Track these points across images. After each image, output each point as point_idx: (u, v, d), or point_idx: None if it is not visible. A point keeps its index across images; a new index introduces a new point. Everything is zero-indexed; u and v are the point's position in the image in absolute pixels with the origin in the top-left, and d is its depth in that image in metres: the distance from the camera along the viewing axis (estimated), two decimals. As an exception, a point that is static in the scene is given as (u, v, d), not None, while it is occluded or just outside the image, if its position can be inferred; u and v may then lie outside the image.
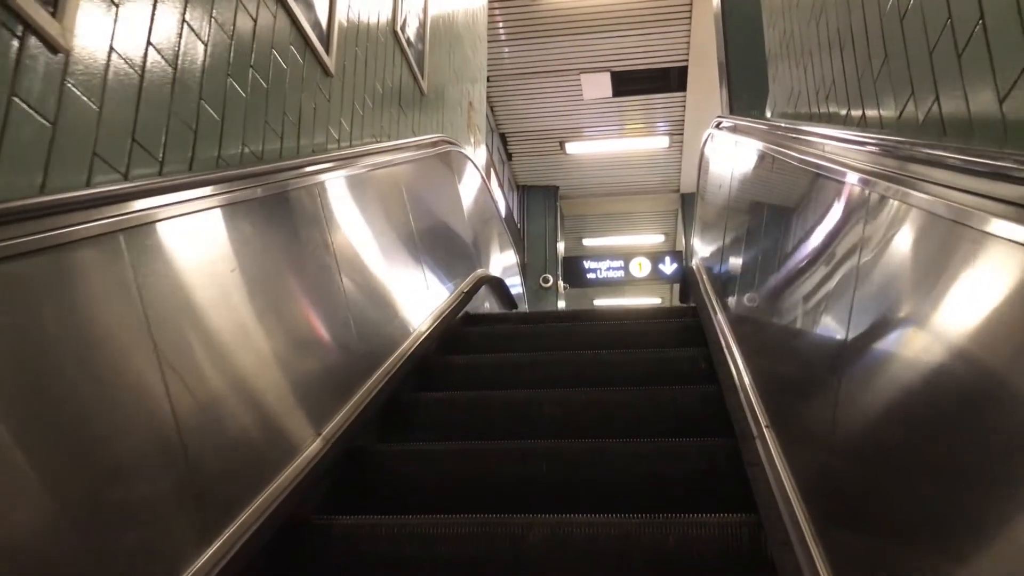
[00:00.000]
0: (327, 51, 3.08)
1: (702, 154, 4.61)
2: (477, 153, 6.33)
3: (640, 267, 12.26)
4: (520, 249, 11.52)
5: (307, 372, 2.08)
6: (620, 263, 12.39)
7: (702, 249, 4.24)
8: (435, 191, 3.86)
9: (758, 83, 5.45)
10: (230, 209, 1.89)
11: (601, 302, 15.86)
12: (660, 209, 13.02)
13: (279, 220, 2.18)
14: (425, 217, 3.56)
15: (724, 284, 3.02)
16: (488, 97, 9.98)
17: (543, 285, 11.66)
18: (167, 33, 1.86)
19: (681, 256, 12.29)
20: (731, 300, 2.84)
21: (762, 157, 2.64)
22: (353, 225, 2.69)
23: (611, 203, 12.70)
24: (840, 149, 1.71)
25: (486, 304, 4.68)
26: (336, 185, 2.71)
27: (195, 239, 1.70)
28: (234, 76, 2.24)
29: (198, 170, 1.97)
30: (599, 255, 12.92)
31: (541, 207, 12.19)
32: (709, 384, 2.49)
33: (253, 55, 2.40)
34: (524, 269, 11.54)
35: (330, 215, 2.48)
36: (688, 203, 12.23)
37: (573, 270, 12.48)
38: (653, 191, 12.42)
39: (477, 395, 2.54)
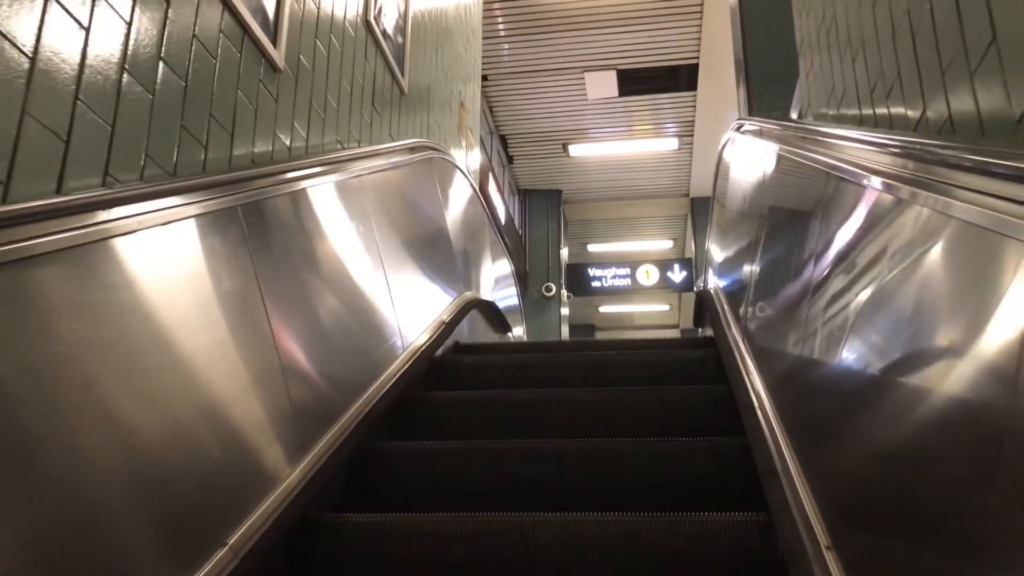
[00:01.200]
0: (274, 42, 2.56)
1: (720, 161, 4.07)
2: (470, 157, 5.80)
3: (647, 275, 11.72)
4: (521, 257, 11.00)
5: (213, 460, 1.56)
6: (626, 270, 11.85)
7: (722, 272, 3.70)
8: (411, 206, 3.34)
9: (781, 81, 4.91)
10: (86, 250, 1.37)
11: (607, 309, 15.33)
12: (669, 214, 12.47)
13: (177, 258, 1.66)
14: (396, 238, 3.04)
15: (759, 326, 2.48)
16: (486, 97, 9.46)
17: (545, 294, 11.13)
18: (26, 12, 1.34)
19: (691, 264, 11.74)
20: (767, 347, 2.30)
21: (809, 169, 2.11)
22: (289, 258, 2.16)
23: (617, 208, 12.16)
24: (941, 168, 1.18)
25: (477, 328, 4.16)
26: (269, 208, 2.18)
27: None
28: (134, 71, 1.72)
29: (67, 193, 1.46)
30: (604, 262, 12.38)
31: (543, 212, 11.66)
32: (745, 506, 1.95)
33: (165, 45, 1.88)
34: (524, 280, 11.00)
35: (258, 246, 1.95)
36: (699, 208, 11.68)
37: (577, 278, 11.94)
38: (661, 195, 11.87)
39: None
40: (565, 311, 11.50)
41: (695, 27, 8.23)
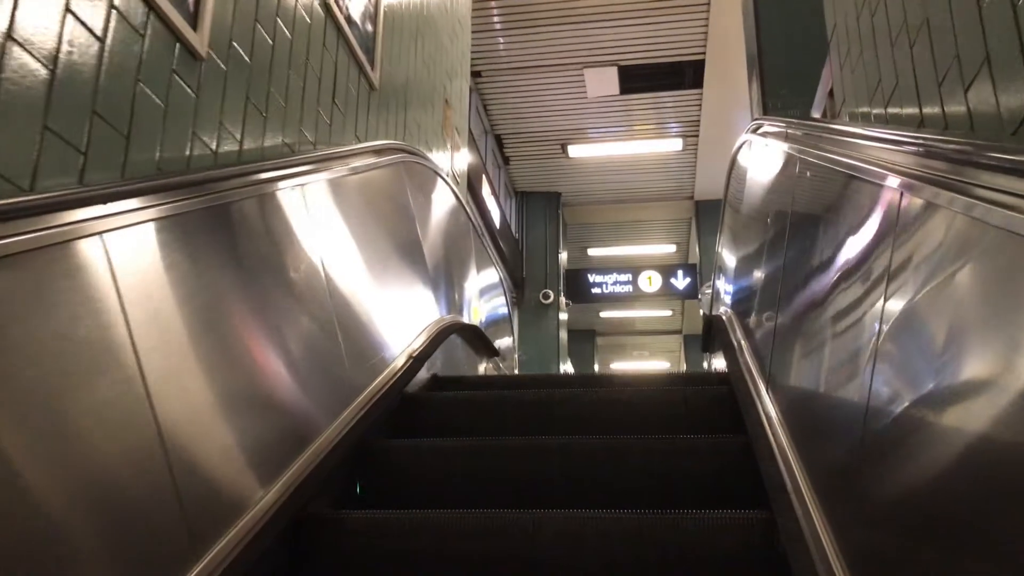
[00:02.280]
0: (194, 24, 2.08)
1: (734, 165, 3.58)
2: (457, 159, 5.32)
3: (650, 281, 11.24)
4: (518, 262, 10.52)
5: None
6: (628, 276, 11.37)
7: (738, 295, 3.21)
8: (373, 218, 2.86)
9: (799, 77, 4.42)
10: None
11: (609, 314, 14.85)
12: (672, 217, 11.97)
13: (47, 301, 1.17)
14: (350, 258, 2.56)
15: (790, 374, 1.99)
16: (480, 95, 8.98)
17: (543, 301, 10.64)
18: None
19: (695, 270, 11.25)
20: (803, 406, 1.81)
21: (851, 180, 1.63)
22: (184, 299, 1.67)
23: (618, 211, 11.66)
24: None
25: (458, 356, 3.68)
26: (176, 227, 1.70)
27: None
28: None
29: None
30: (605, 268, 11.89)
31: (541, 215, 11.17)
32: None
33: (16, 22, 1.40)
34: (521, 287, 10.52)
35: (136, 288, 1.47)
36: (704, 212, 11.19)
37: (576, 284, 11.46)
38: (665, 198, 11.37)
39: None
40: (564, 316, 11.01)
41: (702, 20, 7.74)
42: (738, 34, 6.40)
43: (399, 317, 2.93)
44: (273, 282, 2.01)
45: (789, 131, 2.42)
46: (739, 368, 2.59)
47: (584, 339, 15.90)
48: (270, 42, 2.56)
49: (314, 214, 2.35)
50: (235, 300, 1.80)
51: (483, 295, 4.68)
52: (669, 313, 15.11)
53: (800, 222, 2.02)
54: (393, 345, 2.80)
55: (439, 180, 3.90)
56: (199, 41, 2.09)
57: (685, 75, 8.71)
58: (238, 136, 2.32)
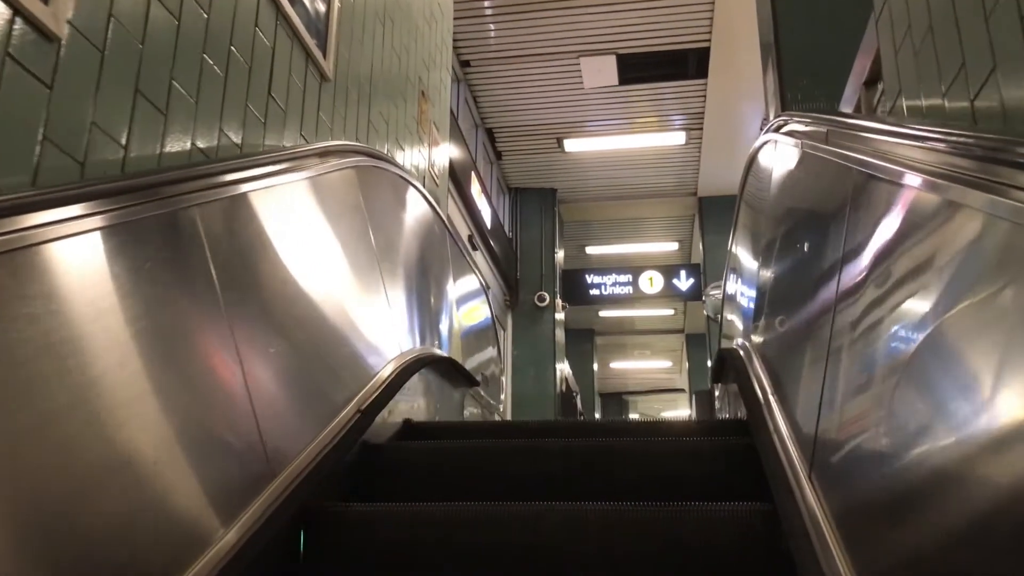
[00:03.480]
0: (42, -7, 1.54)
1: (752, 166, 3.04)
2: (436, 158, 4.77)
3: (651, 282, 10.69)
4: (511, 263, 9.98)
5: None
6: (628, 277, 10.82)
7: (759, 326, 2.66)
8: (307, 242, 2.30)
9: (823, 65, 3.86)
10: None
11: (608, 313, 14.31)
12: (674, 215, 11.41)
13: None
14: (269, 293, 2.01)
15: (835, 444, 1.45)
16: (470, 86, 8.42)
17: (538, 304, 10.09)
18: None
19: (698, 270, 10.70)
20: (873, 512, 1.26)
21: (942, 204, 1.09)
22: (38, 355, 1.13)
23: (617, 208, 11.09)
24: None
25: (431, 392, 3.13)
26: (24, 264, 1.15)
27: None
28: None
29: None
30: (603, 268, 11.34)
31: (536, 212, 10.61)
32: None
33: None
34: (514, 289, 9.97)
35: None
36: (708, 209, 10.63)
37: (574, 285, 10.91)
38: (666, 194, 10.80)
39: None
40: (560, 317, 10.46)
41: (706, 5, 7.17)
42: (747, 19, 5.84)
43: (346, 360, 2.39)
44: (151, 338, 1.46)
45: (834, 131, 1.87)
46: (768, 435, 2.04)
47: (583, 339, 15.37)
48: (174, 20, 2.01)
49: (217, 243, 1.81)
50: (95, 372, 1.25)
51: (462, 316, 4.14)
52: (671, 312, 14.57)
53: (862, 256, 1.48)
54: (337, 396, 2.26)
55: (407, 186, 3.36)
56: (51, 16, 1.54)
57: (688, 64, 8.15)
58: (121, 141, 1.77)
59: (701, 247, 10.71)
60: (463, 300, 4.16)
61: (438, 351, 3.25)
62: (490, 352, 4.55)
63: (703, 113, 8.86)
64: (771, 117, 4.34)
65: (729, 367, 3.01)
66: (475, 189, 8.12)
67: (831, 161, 1.82)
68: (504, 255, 9.61)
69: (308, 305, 2.19)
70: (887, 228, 1.39)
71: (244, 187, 2.02)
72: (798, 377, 1.94)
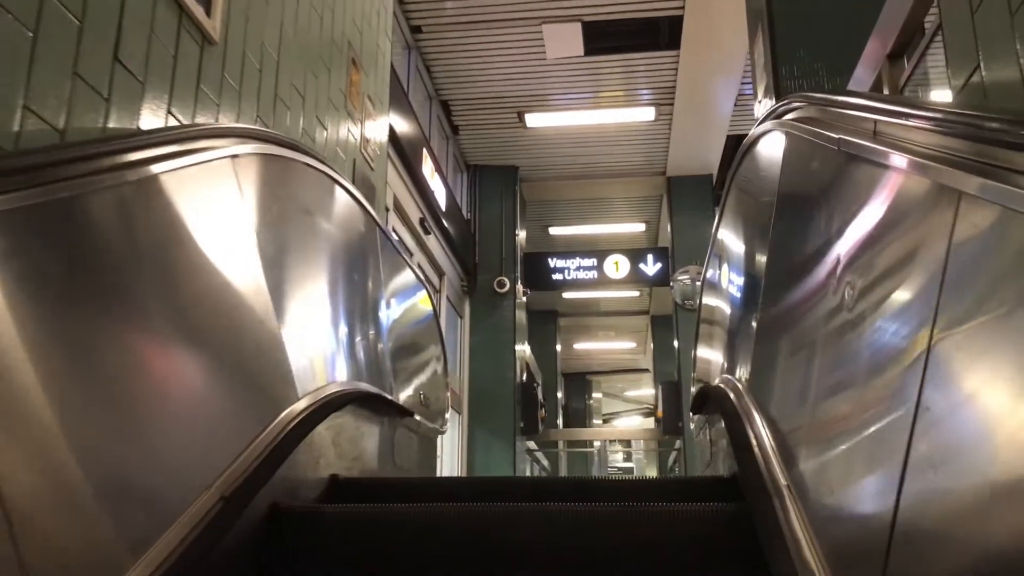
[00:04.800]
0: None
1: (748, 158, 2.44)
2: (371, 136, 4.09)
3: (617, 266, 10.14)
4: (468, 246, 9.33)
5: None
6: (592, 261, 10.25)
7: (760, 368, 2.06)
8: (153, 262, 1.65)
9: (825, 34, 3.27)
10: None
11: (572, 295, 13.75)
12: (642, 195, 10.82)
13: None
14: (96, 347, 1.37)
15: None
16: (422, 53, 7.70)
17: (498, 290, 9.48)
18: None
19: (666, 254, 10.16)
20: None
21: None
22: None
23: (582, 187, 10.47)
24: None
25: (345, 433, 2.51)
26: None
27: None
28: None
29: None
30: (567, 251, 10.75)
31: (496, 192, 9.94)
32: None
33: None
34: (472, 274, 9.34)
35: None
36: (677, 189, 10.07)
37: (536, 269, 10.31)
38: (634, 173, 10.20)
39: None
40: (522, 316, 9.87)
41: (681, -32, 6.54)
42: (727, -17, 5.22)
43: (212, 417, 1.75)
44: None
45: (895, 125, 1.28)
46: (778, 531, 1.47)
47: (546, 320, 14.82)
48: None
49: (19, 263, 1.15)
50: None
51: (397, 327, 3.50)
52: (636, 294, 14.08)
53: (966, 316, 0.89)
54: (195, 471, 1.63)
55: (320, 178, 2.69)
56: None
57: (660, 34, 7.51)
58: None
59: (669, 229, 10.17)
60: (398, 307, 3.52)
61: (359, 386, 2.61)
62: (432, 365, 3.93)
63: (674, 88, 8.25)
64: (760, 95, 3.76)
65: (715, 403, 2.43)
66: (427, 168, 7.44)
67: (893, 171, 1.22)
68: (461, 238, 8.96)
69: (163, 345, 1.55)
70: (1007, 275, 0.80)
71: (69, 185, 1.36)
72: (815, 453, 1.36)
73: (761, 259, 2.13)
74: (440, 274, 8.50)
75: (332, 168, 2.82)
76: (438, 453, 7.82)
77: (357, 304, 2.91)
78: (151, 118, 2.07)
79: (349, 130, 3.72)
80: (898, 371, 1.08)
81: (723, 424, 2.30)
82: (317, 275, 2.55)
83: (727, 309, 2.80)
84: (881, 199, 1.29)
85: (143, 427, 1.48)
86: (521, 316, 9.94)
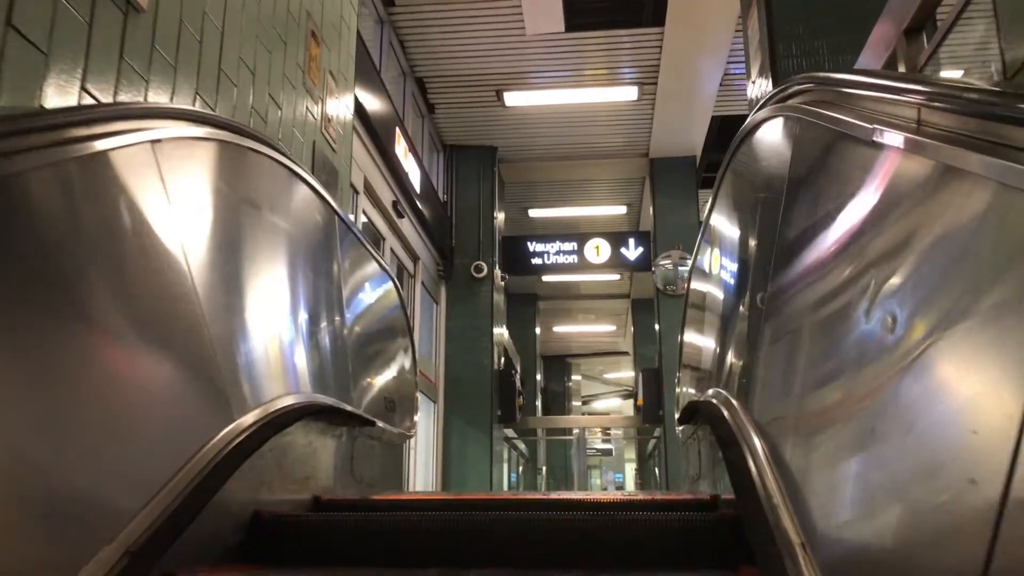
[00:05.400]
0: None
1: (738, 151, 2.17)
2: (333, 115, 3.78)
3: (597, 251, 9.89)
4: (444, 229, 9.04)
5: None
6: (572, 245, 9.99)
7: (759, 373, 1.81)
8: (48, 268, 1.37)
9: (825, 8, 3.01)
10: None
11: (551, 277, 13.48)
12: (624, 176, 10.55)
13: None
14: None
15: None
16: (395, 28, 7.35)
17: (475, 275, 9.20)
18: None
19: (648, 239, 9.91)
20: None
21: None
22: None
23: (563, 169, 10.17)
24: None
25: (300, 444, 2.24)
26: None
27: None
28: None
29: None
30: (547, 234, 10.47)
31: (474, 172, 9.62)
32: None
33: None
34: (448, 257, 9.05)
35: None
36: (660, 171, 9.81)
37: (515, 253, 10.03)
38: (616, 155, 9.92)
39: None
40: (499, 292, 9.59)
41: (666, -60, 6.23)
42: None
43: (117, 453, 1.48)
44: None
45: (936, 110, 1.02)
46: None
47: (525, 303, 14.58)
48: None
49: None
50: None
51: (359, 327, 3.22)
52: (616, 277, 13.84)
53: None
54: (94, 520, 1.36)
55: (264, 162, 2.39)
56: None
57: (644, 10, 7.21)
58: None
59: (652, 211, 9.92)
60: (361, 303, 3.23)
61: (313, 398, 2.33)
62: (399, 364, 3.66)
63: (658, 66, 7.96)
64: (753, 74, 3.49)
65: (703, 419, 2.19)
66: (401, 148, 7.11)
67: (946, 170, 0.97)
68: (436, 221, 8.66)
69: (11, 382, 1.26)
70: None
71: None
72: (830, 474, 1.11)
73: (765, 257, 1.87)
74: (415, 259, 8.20)
75: (282, 152, 2.51)
76: (413, 443, 7.57)
77: (311, 303, 2.62)
78: (58, 96, 1.77)
79: (308, 109, 3.41)
80: (980, 424, 0.83)
81: (718, 448, 2.05)
82: (261, 275, 2.26)
83: (719, 305, 2.55)
84: (931, 204, 1.03)
85: (20, 472, 1.19)
86: (499, 301, 9.68)
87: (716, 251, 2.62)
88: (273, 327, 2.27)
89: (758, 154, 2.00)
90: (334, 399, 2.56)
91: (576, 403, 21.61)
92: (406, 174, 7.28)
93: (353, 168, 6.06)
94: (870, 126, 1.17)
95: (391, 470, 3.27)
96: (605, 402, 25.05)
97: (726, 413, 1.99)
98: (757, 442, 1.75)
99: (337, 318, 2.86)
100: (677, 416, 3.08)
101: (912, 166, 1.10)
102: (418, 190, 7.76)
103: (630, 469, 20.85)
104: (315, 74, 3.50)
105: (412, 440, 7.75)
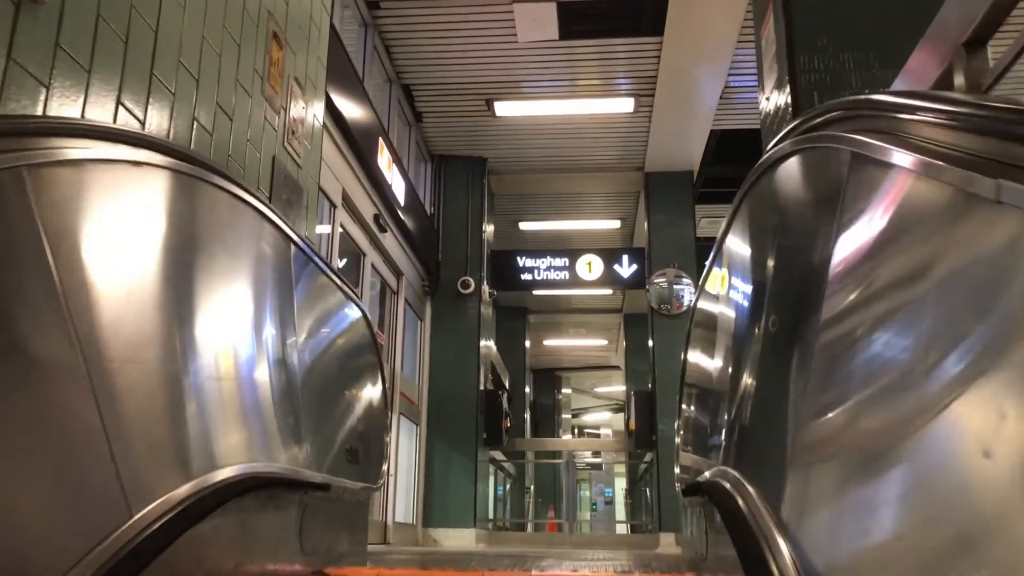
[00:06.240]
0: None
1: (758, 183, 1.81)
2: (298, 124, 3.41)
3: (590, 267, 9.53)
4: (431, 243, 8.66)
5: None
6: (564, 261, 9.63)
7: (800, 465, 1.44)
8: None
9: (855, 22, 2.66)
10: None
11: (542, 291, 13.10)
12: (618, 190, 10.19)
13: None
14: None
15: None
16: (381, 32, 6.99)
17: (462, 291, 8.81)
18: None
19: (643, 256, 9.56)
20: None
21: None
22: None
23: (555, 181, 9.79)
24: None
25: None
26: None
27: None
28: None
29: None
30: (538, 249, 10.10)
31: (463, 184, 9.24)
32: None
33: None
34: (434, 273, 8.67)
35: None
36: (656, 186, 9.46)
37: (504, 269, 9.66)
38: (610, 168, 9.55)
39: None
40: (486, 304, 9.19)
41: (667, -56, 5.89)
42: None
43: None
44: None
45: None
46: None
47: (515, 316, 14.19)
48: None
49: None
50: None
51: (314, 373, 2.83)
52: (609, 292, 13.48)
53: None
54: None
55: (192, 185, 1.99)
56: None
57: (642, 17, 6.87)
58: None
59: (646, 227, 9.56)
60: (319, 341, 2.84)
61: (249, 469, 1.94)
62: (366, 405, 3.26)
63: (656, 77, 7.62)
64: (767, 89, 3.13)
65: (707, 496, 1.82)
66: (384, 159, 6.73)
67: None
68: (422, 234, 8.28)
69: None
70: None
71: None
72: None
73: (805, 321, 1.51)
74: (398, 275, 7.81)
75: (217, 170, 2.12)
76: (393, 469, 7.16)
77: (250, 350, 2.24)
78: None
79: (267, 119, 3.03)
80: None
81: (725, 533, 1.68)
82: (182, 324, 1.88)
83: (734, 361, 2.18)
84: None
85: None
86: (488, 315, 9.29)
87: (729, 296, 2.25)
88: (194, 387, 1.88)
89: (785, 190, 1.63)
90: (278, 465, 2.17)
91: (566, 416, 21.24)
92: (389, 186, 6.91)
93: (331, 180, 5.68)
94: (991, 179, 0.80)
95: (352, 534, 2.88)
96: (595, 415, 24.65)
97: (744, 507, 1.62)
98: (786, 554, 1.39)
99: (289, 363, 2.47)
100: (679, 486, 2.71)
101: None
102: (402, 203, 7.38)
103: (620, 484, 20.47)
104: (276, 80, 3.12)
105: (392, 465, 7.35)
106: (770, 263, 1.84)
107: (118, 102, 2.07)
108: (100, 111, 2.01)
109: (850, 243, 1.28)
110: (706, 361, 2.62)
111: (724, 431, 2.12)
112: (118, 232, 1.64)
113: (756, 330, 1.94)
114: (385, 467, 3.30)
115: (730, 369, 2.21)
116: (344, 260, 6.56)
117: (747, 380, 1.96)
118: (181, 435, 1.78)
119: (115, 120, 2.05)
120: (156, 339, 1.74)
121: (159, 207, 1.87)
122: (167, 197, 1.90)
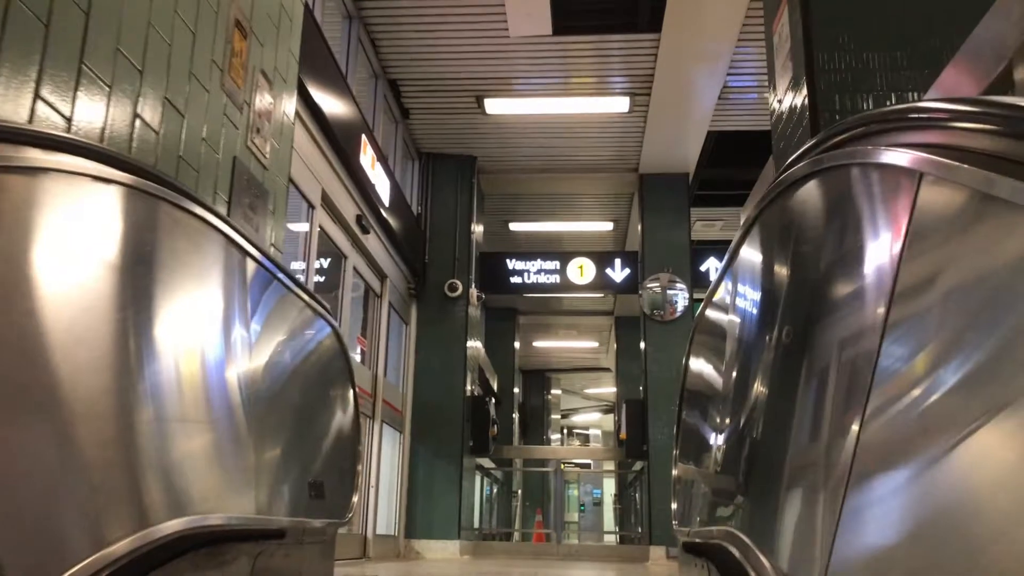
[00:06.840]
0: None
1: (743, 230, 1.54)
2: (264, 121, 3.12)
3: (581, 271, 9.27)
4: (418, 244, 8.37)
5: None
6: (555, 264, 9.36)
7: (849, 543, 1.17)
8: None
9: (886, 16, 2.39)
10: None
11: (533, 293, 12.82)
12: (611, 192, 9.91)
13: None
14: None
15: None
16: (366, 25, 6.68)
17: (449, 294, 8.53)
18: None
19: (636, 260, 9.29)
20: None
21: None
22: None
23: (547, 182, 9.51)
24: None
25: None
26: None
27: None
28: None
29: None
30: (528, 251, 9.83)
31: (452, 183, 8.95)
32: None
33: None
34: (421, 276, 8.38)
35: None
36: (649, 187, 9.20)
37: (492, 271, 9.38)
38: (604, 169, 9.27)
39: None
40: (474, 308, 8.91)
41: (667, -63, 5.61)
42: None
43: None
44: None
45: None
46: None
47: (504, 318, 13.92)
48: None
49: None
50: None
51: (271, 401, 2.55)
52: (600, 294, 13.22)
53: None
54: None
55: (117, 195, 1.70)
56: None
57: (639, 13, 6.60)
58: None
59: (640, 229, 9.29)
60: (279, 366, 2.55)
61: (188, 523, 1.66)
62: (334, 430, 2.98)
63: (652, 76, 7.35)
64: (780, 90, 2.85)
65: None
66: (367, 157, 6.44)
67: None
68: (408, 235, 7.99)
69: None
70: None
71: None
72: None
73: (851, 361, 1.23)
74: (382, 277, 7.52)
75: (144, 171, 1.83)
76: (374, 480, 6.87)
77: (199, 381, 1.95)
78: None
79: (227, 116, 2.74)
80: None
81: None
82: (108, 356, 1.59)
83: (748, 406, 1.91)
84: None
85: None
86: (475, 319, 9.01)
87: (744, 331, 1.98)
88: (127, 429, 1.59)
89: (831, 213, 1.36)
90: (223, 516, 1.89)
91: (555, 416, 21.01)
92: (373, 185, 6.61)
93: (309, 180, 5.39)
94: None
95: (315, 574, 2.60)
96: (585, 416, 24.44)
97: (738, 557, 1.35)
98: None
99: (244, 395, 2.18)
100: (679, 544, 2.43)
101: None
102: (387, 203, 7.08)
103: (608, 485, 20.24)
104: (238, 73, 2.83)
105: (374, 476, 7.07)
106: (811, 280, 1.57)
107: (36, 95, 1.77)
108: (19, 108, 1.72)
109: (922, 285, 1.00)
110: (714, 390, 2.35)
111: (734, 480, 1.85)
112: (44, 244, 1.35)
113: (782, 377, 1.67)
114: (355, 498, 3.01)
115: (749, 410, 1.94)
116: (324, 263, 6.26)
117: (776, 433, 1.70)
118: (95, 495, 1.49)
119: (32, 117, 1.76)
120: (76, 381, 1.45)
121: (88, 218, 1.57)
122: (96, 209, 1.60)
